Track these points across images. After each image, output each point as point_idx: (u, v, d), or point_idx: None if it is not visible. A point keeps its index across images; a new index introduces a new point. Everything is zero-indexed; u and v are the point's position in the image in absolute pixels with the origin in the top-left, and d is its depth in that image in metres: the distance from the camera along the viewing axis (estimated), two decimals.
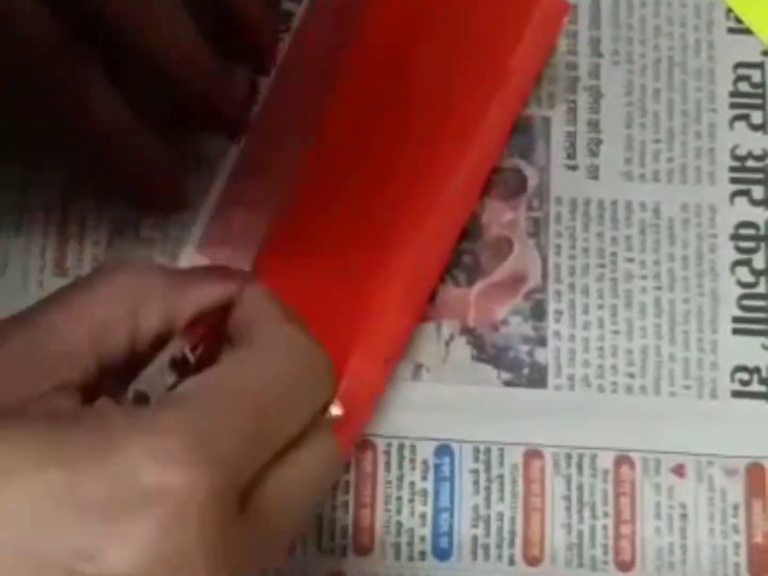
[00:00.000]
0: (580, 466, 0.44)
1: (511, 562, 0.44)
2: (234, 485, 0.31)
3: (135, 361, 0.36)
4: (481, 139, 0.44)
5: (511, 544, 0.44)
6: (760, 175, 0.46)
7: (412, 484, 0.44)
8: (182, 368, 0.36)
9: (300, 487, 0.34)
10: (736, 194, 0.46)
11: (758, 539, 0.43)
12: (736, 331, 0.45)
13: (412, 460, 0.44)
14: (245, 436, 0.32)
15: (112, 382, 0.36)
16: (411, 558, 0.44)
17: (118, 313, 0.35)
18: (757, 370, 0.45)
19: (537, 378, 0.45)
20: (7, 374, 0.34)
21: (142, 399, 0.35)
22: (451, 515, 0.44)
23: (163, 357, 0.36)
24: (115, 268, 0.36)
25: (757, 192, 0.46)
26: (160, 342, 0.36)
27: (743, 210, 0.46)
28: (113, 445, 0.30)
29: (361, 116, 0.46)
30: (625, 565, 0.43)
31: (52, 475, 0.29)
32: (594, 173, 0.46)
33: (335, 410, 0.42)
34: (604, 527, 0.44)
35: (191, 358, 0.36)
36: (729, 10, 0.47)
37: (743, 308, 0.45)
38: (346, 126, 0.46)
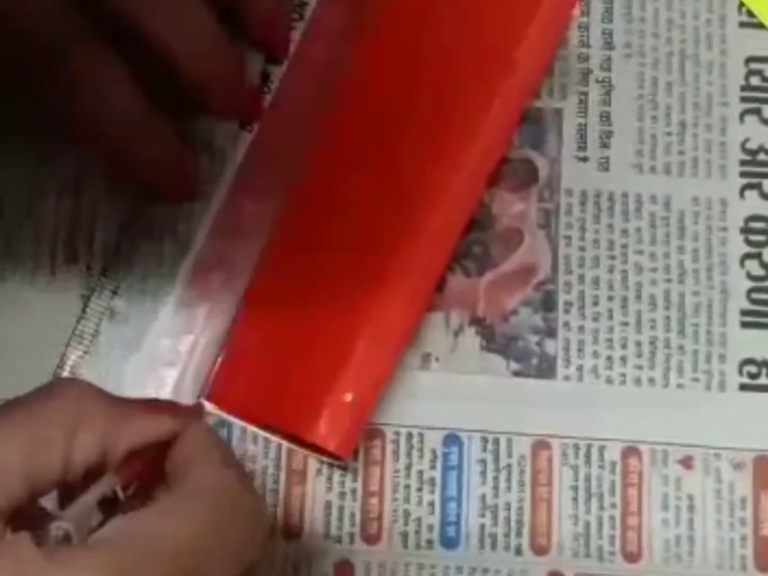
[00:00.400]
0: (587, 457, 0.44)
1: (518, 551, 0.44)
2: None
3: (66, 489, 0.35)
4: (486, 131, 0.44)
5: (519, 533, 0.44)
6: None
7: (420, 473, 0.44)
8: (111, 506, 0.35)
9: None
10: (746, 188, 0.46)
11: (765, 532, 0.44)
12: (745, 324, 0.45)
13: (420, 449, 0.44)
14: None
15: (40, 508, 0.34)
16: (418, 546, 0.44)
17: (54, 439, 0.34)
18: (766, 363, 0.45)
19: (546, 368, 0.45)
20: None
21: (64, 538, 0.32)
22: (459, 504, 0.44)
23: (93, 494, 0.34)
24: (61, 388, 0.35)
25: None
26: (93, 472, 0.35)
27: (753, 203, 0.46)
28: None
29: (370, 107, 0.46)
30: (632, 556, 0.43)
31: None
32: (605, 165, 0.46)
33: (347, 397, 0.42)
34: (612, 518, 0.44)
35: (121, 496, 0.35)
36: (741, 4, 0.47)
37: (753, 301, 0.45)
38: (355, 117, 0.46)
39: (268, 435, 0.44)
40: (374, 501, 0.44)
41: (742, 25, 0.47)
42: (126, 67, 0.42)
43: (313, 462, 0.44)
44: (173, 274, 0.46)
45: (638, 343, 0.45)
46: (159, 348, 0.45)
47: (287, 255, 0.45)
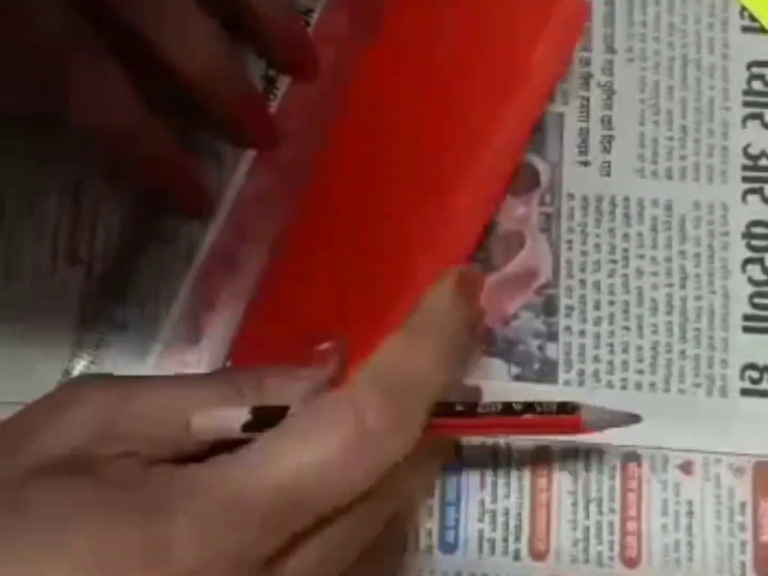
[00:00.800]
0: (587, 462, 0.44)
1: (517, 556, 0.43)
2: (259, 559, 0.32)
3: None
4: (496, 143, 0.44)
5: (517, 538, 0.44)
6: None
7: None
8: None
9: (323, 565, 0.34)
10: (748, 193, 0.46)
11: (765, 538, 0.43)
12: (747, 329, 0.45)
13: None
14: (277, 512, 0.33)
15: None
16: (417, 551, 0.44)
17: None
18: (767, 368, 0.45)
19: (547, 373, 0.45)
20: (85, 426, 0.35)
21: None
22: (458, 509, 0.44)
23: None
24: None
25: None
26: None
27: (755, 208, 0.46)
28: (158, 510, 0.32)
29: (378, 117, 0.46)
30: (631, 562, 0.43)
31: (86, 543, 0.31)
32: (606, 170, 0.46)
33: None
34: (611, 523, 0.44)
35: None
36: (743, 9, 0.47)
37: (754, 306, 0.45)
38: (362, 126, 0.46)
39: None
40: None
41: (744, 29, 0.47)
42: (124, 71, 0.42)
43: None
44: (179, 282, 0.46)
45: (639, 348, 0.45)
46: (165, 358, 0.45)
47: (294, 262, 0.45)
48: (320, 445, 0.33)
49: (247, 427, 0.36)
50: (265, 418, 0.36)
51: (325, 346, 0.41)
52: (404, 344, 0.36)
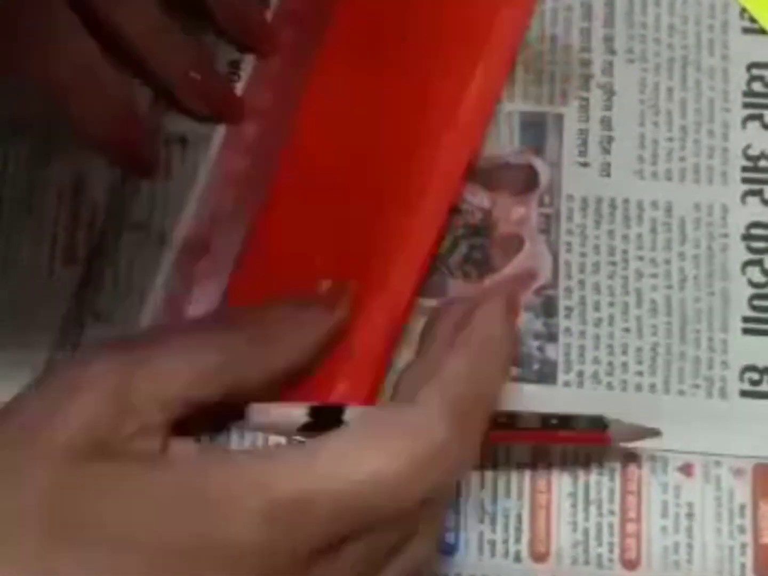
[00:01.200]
0: (587, 464, 0.44)
1: (517, 558, 0.43)
2: (304, 553, 0.32)
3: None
4: (460, 122, 0.44)
5: (518, 540, 0.44)
6: None
7: None
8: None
9: (362, 565, 0.34)
10: (747, 194, 0.46)
11: (765, 540, 0.43)
12: (746, 331, 0.45)
13: None
14: (336, 516, 0.33)
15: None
16: None
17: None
18: (767, 370, 0.45)
19: (546, 374, 0.45)
20: (100, 407, 0.35)
21: None
22: (457, 511, 0.44)
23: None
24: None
25: None
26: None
27: (755, 210, 0.46)
28: (195, 493, 0.32)
29: (341, 101, 0.46)
30: (630, 564, 0.43)
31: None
32: (606, 171, 0.46)
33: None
34: (610, 525, 0.44)
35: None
36: (743, 10, 0.47)
37: (754, 308, 0.45)
38: (324, 115, 0.46)
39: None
40: None
41: (745, 30, 0.47)
42: (77, 17, 0.42)
43: None
44: (155, 269, 0.45)
45: (639, 350, 0.45)
46: None
47: (267, 246, 0.45)
48: (391, 456, 0.33)
49: (305, 428, 0.37)
50: (324, 417, 0.37)
51: (327, 285, 0.42)
52: (466, 360, 0.37)
